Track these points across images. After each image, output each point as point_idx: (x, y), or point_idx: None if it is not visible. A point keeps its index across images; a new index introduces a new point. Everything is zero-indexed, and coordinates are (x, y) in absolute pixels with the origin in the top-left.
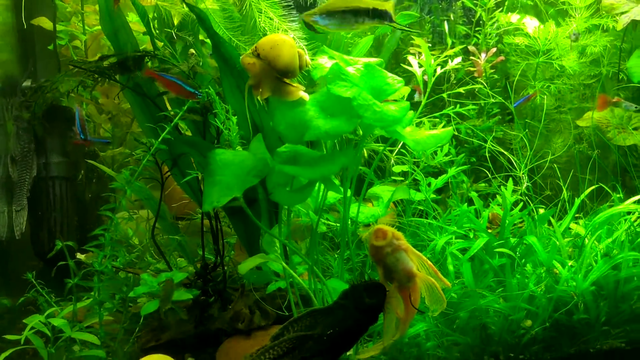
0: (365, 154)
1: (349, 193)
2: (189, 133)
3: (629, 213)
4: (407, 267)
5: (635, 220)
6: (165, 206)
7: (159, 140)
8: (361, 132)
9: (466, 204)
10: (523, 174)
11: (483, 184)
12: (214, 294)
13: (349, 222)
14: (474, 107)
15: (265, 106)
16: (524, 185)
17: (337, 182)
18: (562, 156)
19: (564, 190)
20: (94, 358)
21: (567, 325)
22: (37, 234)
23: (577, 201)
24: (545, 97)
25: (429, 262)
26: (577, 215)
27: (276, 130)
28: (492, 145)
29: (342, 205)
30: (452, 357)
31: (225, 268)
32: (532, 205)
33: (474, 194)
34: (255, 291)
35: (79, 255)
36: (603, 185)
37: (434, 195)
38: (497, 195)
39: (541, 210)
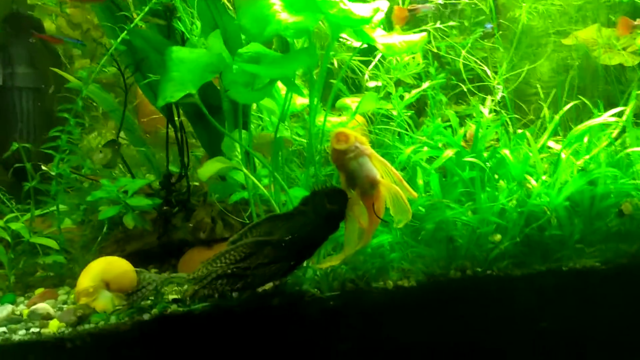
0: (336, 64)
1: (315, 100)
2: None
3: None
4: (370, 173)
5: (616, 138)
6: (133, 118)
7: (118, 40)
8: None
9: (440, 119)
10: (498, 84)
11: (464, 106)
12: (177, 205)
13: (316, 132)
14: (457, 23)
15: (231, 12)
16: (498, 95)
17: (302, 87)
18: (549, 81)
19: (545, 108)
20: (53, 264)
21: (539, 242)
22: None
23: (557, 116)
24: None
25: (395, 170)
26: (558, 137)
27: (240, 24)
28: (475, 63)
29: (310, 115)
30: (416, 270)
31: (191, 182)
32: (506, 116)
33: (450, 113)
34: (220, 203)
35: (44, 166)
36: (585, 100)
37: (407, 111)
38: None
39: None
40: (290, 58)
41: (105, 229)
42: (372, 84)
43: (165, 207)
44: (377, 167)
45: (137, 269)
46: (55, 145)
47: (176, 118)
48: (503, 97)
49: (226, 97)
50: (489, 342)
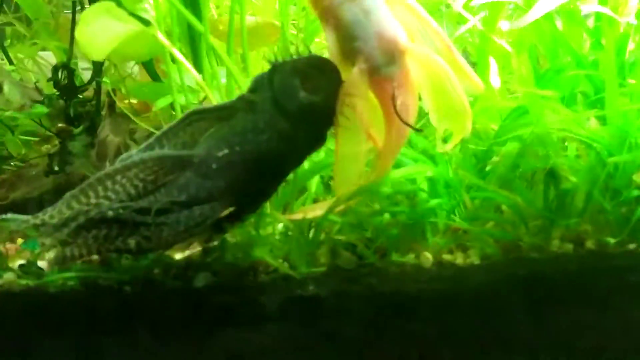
0: None
1: None
2: None
3: None
4: (387, 31)
5: None
6: None
7: None
8: None
9: None
10: None
11: None
12: (80, 120)
13: None
14: None
15: None
16: None
17: None
18: None
19: None
20: None
21: None
22: None
23: None
24: None
25: (439, 29)
26: None
27: None
28: None
29: None
30: (481, 234)
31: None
32: None
33: None
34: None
35: None
36: None
37: None
38: None
39: None
40: None
41: None
42: None
43: (60, 125)
44: (403, 19)
45: None
46: None
47: None
48: None
49: None
50: None
